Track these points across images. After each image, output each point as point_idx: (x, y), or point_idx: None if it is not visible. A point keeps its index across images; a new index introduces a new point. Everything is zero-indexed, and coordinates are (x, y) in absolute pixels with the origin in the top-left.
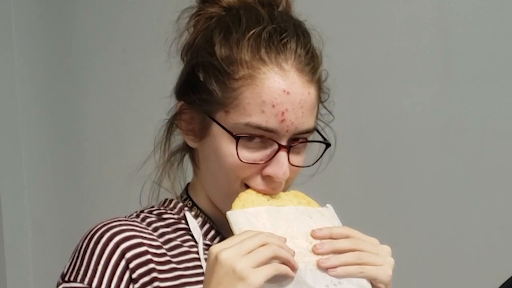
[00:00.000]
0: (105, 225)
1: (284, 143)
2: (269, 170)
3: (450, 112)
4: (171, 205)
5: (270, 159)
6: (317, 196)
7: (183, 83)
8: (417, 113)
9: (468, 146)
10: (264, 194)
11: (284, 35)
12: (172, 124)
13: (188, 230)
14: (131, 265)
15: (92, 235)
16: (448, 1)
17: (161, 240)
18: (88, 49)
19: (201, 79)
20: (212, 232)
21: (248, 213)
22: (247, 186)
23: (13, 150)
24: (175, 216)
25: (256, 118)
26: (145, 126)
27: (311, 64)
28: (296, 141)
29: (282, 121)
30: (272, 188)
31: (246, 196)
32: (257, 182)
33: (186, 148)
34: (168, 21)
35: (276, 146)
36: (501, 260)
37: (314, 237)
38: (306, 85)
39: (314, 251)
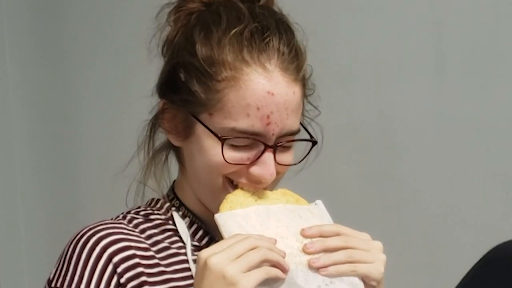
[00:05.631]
0: (91, 229)
1: (270, 143)
2: (255, 171)
3: (443, 109)
4: (158, 205)
5: (257, 159)
6: (311, 192)
7: (164, 82)
8: (409, 110)
9: (461, 142)
10: (252, 194)
11: (266, 34)
12: (154, 123)
13: (176, 231)
14: (119, 270)
15: (78, 239)
16: None
17: (149, 242)
18: (80, 50)
19: (183, 79)
20: (200, 232)
21: (236, 215)
22: (231, 181)
23: (6, 152)
24: (163, 217)
25: (242, 123)
26: (137, 125)
27: (295, 62)
28: (283, 140)
29: (268, 124)
30: (259, 186)
31: (234, 197)
32: (243, 179)
33: (170, 146)
34: (150, 17)
35: (262, 147)
36: None
37: (304, 236)
38: (291, 85)
39: (305, 251)
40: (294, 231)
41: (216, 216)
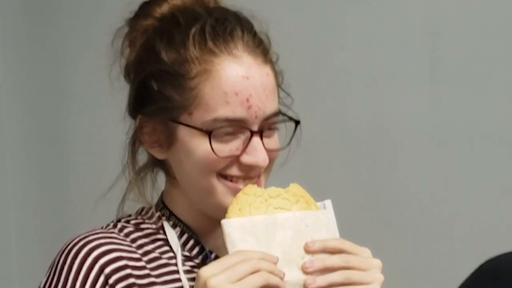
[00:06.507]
0: (82, 239)
1: (255, 128)
2: (247, 159)
3: (435, 116)
4: (149, 214)
5: (246, 147)
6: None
7: (136, 99)
8: (403, 117)
9: (454, 149)
10: (262, 193)
11: (226, 23)
12: (134, 142)
13: (166, 241)
14: (110, 281)
15: (69, 250)
16: (434, 4)
17: (140, 252)
18: (73, 61)
19: (156, 89)
20: (191, 242)
21: (243, 224)
22: (224, 177)
23: None
24: (153, 226)
25: (222, 111)
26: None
27: (260, 46)
28: (266, 123)
29: (249, 108)
30: (252, 174)
31: (244, 197)
32: (235, 170)
33: (154, 163)
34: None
35: (248, 134)
36: None
37: (307, 252)
38: (263, 66)
39: (304, 270)
40: (298, 245)
41: (223, 222)
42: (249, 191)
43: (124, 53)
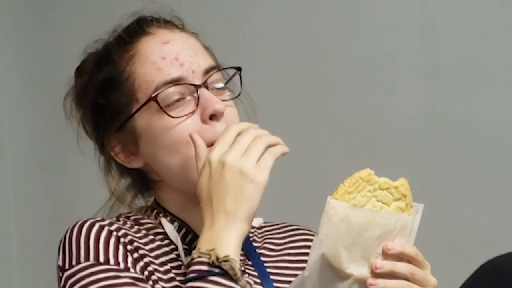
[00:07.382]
0: (86, 218)
1: (198, 83)
2: (205, 112)
3: (432, 113)
4: (147, 212)
5: (197, 102)
6: (302, 192)
7: (97, 128)
8: (400, 114)
9: (450, 146)
10: (374, 182)
11: (133, 22)
12: (109, 170)
13: (166, 235)
14: (123, 240)
15: (74, 225)
16: (432, 2)
17: (146, 239)
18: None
19: (103, 102)
20: (190, 236)
21: (346, 211)
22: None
23: None
24: (152, 221)
25: (159, 77)
26: None
27: (173, 23)
28: (210, 80)
29: (181, 65)
30: (218, 130)
31: (358, 182)
32: (203, 136)
33: (135, 186)
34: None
35: (193, 88)
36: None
37: (384, 253)
38: (180, 34)
39: (372, 269)
40: (379, 244)
41: (330, 200)
42: (367, 177)
43: (78, 115)
